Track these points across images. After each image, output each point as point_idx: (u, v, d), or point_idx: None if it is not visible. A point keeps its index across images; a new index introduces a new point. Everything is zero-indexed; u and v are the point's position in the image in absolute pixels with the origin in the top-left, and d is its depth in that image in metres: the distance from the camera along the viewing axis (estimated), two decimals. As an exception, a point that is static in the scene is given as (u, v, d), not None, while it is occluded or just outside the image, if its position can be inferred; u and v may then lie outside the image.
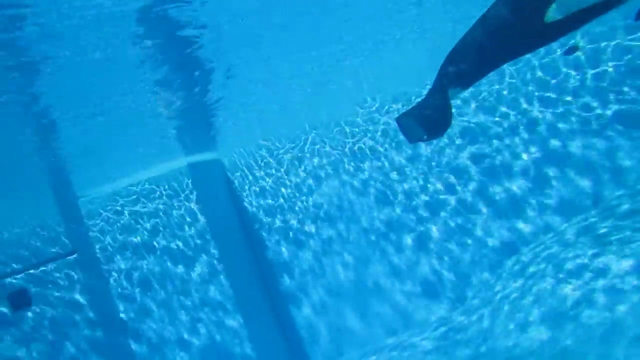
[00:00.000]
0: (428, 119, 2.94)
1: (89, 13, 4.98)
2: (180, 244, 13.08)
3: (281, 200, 12.89)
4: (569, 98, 9.65)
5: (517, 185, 10.25)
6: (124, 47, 6.11)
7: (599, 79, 9.38)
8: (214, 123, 11.28)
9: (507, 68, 10.12)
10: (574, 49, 9.12)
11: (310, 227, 12.56)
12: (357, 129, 12.00)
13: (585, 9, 2.77)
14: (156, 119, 9.93)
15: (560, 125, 9.82)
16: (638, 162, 9.01)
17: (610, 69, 9.25)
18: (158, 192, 13.23)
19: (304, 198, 12.65)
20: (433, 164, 11.08)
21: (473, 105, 10.67)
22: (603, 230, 7.91)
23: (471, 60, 2.99)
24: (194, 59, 7.26)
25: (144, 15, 5.45)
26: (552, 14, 2.82)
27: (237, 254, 13.11)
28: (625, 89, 9.11)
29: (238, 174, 13.40)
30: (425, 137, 2.93)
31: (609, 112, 9.28)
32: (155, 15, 5.51)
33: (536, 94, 10.01)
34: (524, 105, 10.16)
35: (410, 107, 3.10)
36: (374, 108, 11.85)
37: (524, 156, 10.17)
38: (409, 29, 9.26)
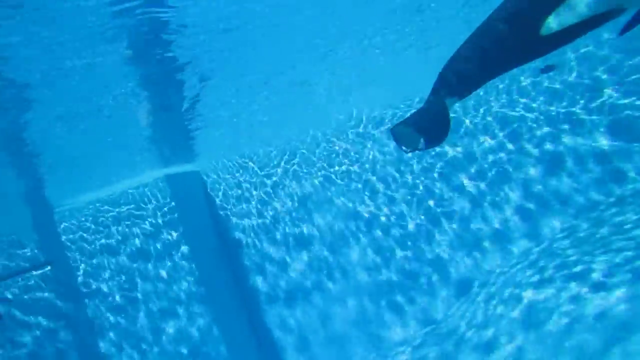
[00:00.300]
0: (426, 126, 2.90)
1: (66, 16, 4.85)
2: (156, 255, 12.84)
3: (264, 212, 12.75)
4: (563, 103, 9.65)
5: (501, 193, 10.27)
6: (100, 54, 5.97)
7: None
8: (193, 133, 11.12)
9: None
10: (550, 67, 9.21)
11: (292, 240, 12.44)
12: (343, 143, 11.94)
13: (582, 22, 2.79)
14: (134, 129, 9.76)
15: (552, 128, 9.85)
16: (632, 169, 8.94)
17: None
18: (136, 204, 12.97)
19: (285, 210, 12.52)
20: (419, 181, 11.04)
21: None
22: (592, 238, 7.89)
23: (467, 71, 2.98)
24: (173, 68, 7.15)
25: (121, 22, 5.32)
26: (549, 26, 2.83)
27: (216, 270, 12.91)
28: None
29: (217, 185, 13.23)
30: (422, 145, 2.86)
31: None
32: (134, 22, 5.39)
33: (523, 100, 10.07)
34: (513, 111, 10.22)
35: (405, 117, 3.05)
36: (361, 125, 11.79)
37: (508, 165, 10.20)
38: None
